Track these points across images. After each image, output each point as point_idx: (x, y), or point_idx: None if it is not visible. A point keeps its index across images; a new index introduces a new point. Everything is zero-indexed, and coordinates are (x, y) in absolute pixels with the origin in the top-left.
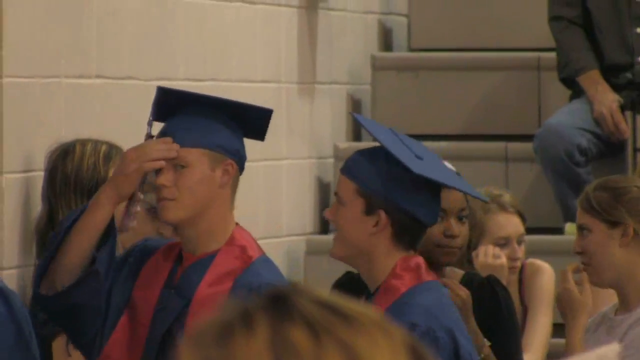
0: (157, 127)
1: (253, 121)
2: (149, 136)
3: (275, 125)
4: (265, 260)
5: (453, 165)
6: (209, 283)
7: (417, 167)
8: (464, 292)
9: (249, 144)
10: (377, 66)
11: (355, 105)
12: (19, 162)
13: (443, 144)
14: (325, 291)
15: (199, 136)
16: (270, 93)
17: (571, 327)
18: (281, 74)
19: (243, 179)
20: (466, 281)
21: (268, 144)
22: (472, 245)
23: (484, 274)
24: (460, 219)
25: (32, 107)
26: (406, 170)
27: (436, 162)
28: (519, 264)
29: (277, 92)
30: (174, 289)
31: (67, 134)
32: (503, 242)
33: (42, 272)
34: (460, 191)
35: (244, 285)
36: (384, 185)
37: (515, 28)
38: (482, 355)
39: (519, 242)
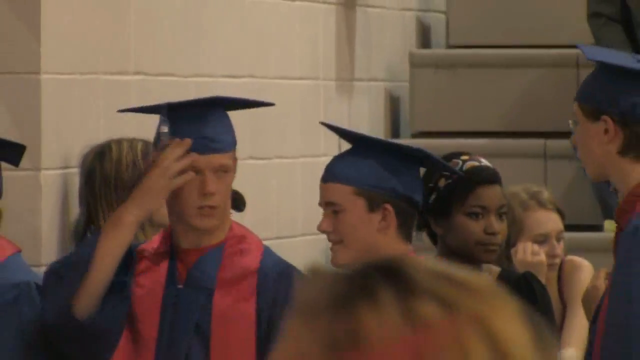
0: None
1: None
2: (163, 135)
3: (313, 122)
4: (268, 247)
5: (491, 162)
6: (227, 271)
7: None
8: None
9: (291, 142)
10: (415, 63)
11: (393, 102)
12: (58, 159)
13: (481, 141)
14: (433, 261)
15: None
16: (308, 90)
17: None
18: (319, 71)
19: (282, 176)
20: (503, 278)
21: (306, 140)
22: (510, 242)
23: (522, 271)
24: (499, 216)
25: (70, 103)
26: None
27: None
28: (557, 261)
29: (314, 89)
30: (183, 284)
31: (106, 130)
32: (542, 239)
33: (68, 299)
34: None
35: (269, 268)
36: (381, 178)
37: (553, 25)
38: None
39: (558, 239)
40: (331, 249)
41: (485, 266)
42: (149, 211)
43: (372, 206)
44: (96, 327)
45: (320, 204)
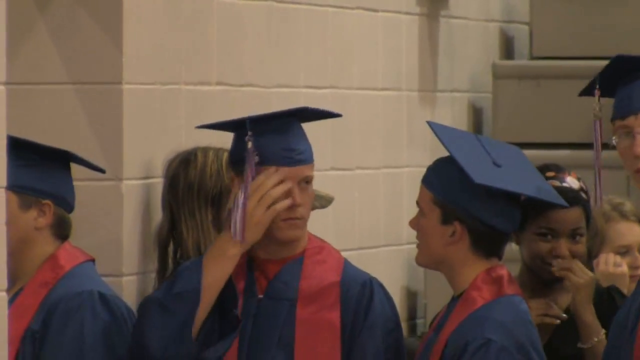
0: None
1: None
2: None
3: (396, 133)
4: (346, 259)
5: (577, 173)
6: (309, 282)
7: (480, 176)
8: (584, 278)
9: (375, 153)
10: (498, 74)
11: (476, 113)
12: (139, 169)
13: (565, 152)
14: None
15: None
16: (391, 101)
17: None
18: (402, 82)
19: (364, 187)
20: None
21: (389, 152)
22: (592, 254)
23: (604, 282)
24: (573, 237)
25: (152, 113)
26: (467, 178)
27: (518, 168)
28: None
29: (397, 100)
30: (266, 295)
31: (188, 141)
32: (624, 251)
33: (184, 332)
34: (528, 196)
35: (352, 279)
36: (458, 195)
37: (637, 35)
38: (599, 337)
39: None
40: (417, 246)
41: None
42: (251, 243)
43: (445, 219)
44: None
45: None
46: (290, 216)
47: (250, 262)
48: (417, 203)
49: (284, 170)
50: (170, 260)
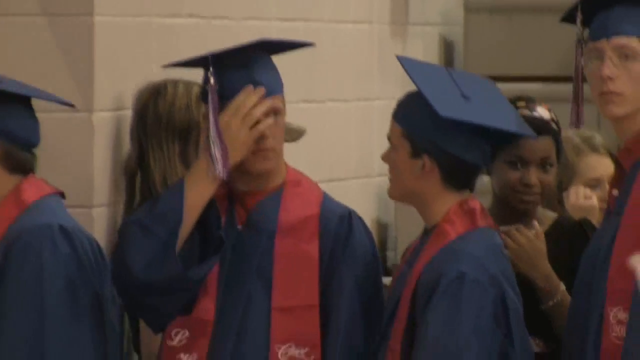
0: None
1: None
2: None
3: (367, 66)
4: (326, 192)
5: (550, 106)
6: (288, 214)
7: (447, 109)
8: (524, 238)
9: (345, 85)
10: (470, 8)
11: (447, 47)
12: (110, 101)
13: (537, 86)
14: None
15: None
16: (362, 34)
17: None
18: (373, 15)
19: (335, 119)
20: (557, 224)
21: (360, 84)
22: (563, 186)
23: (575, 215)
24: (543, 167)
25: (123, 45)
26: (434, 111)
27: (487, 100)
28: None
29: (369, 32)
30: (245, 226)
31: (158, 74)
32: (594, 184)
33: (168, 253)
34: (495, 129)
35: (330, 212)
36: (427, 129)
37: None
38: (556, 299)
39: None
40: (389, 180)
41: (540, 211)
42: (234, 164)
43: (414, 153)
44: (196, 280)
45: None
46: (259, 147)
47: (230, 194)
48: (388, 138)
49: (266, 100)
50: (137, 191)
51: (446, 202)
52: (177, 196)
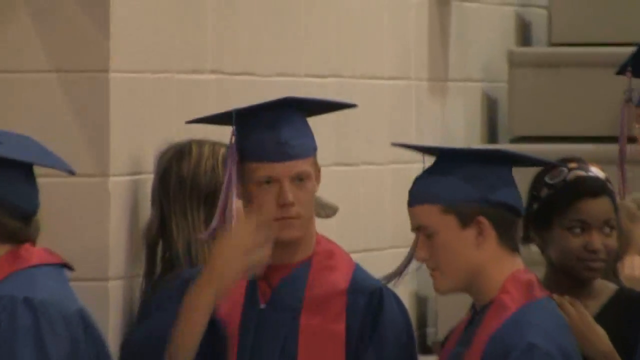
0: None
1: None
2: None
3: (404, 126)
4: (359, 264)
5: (603, 169)
6: (315, 290)
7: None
8: (574, 310)
9: (381, 147)
10: (514, 62)
11: (490, 104)
12: (127, 164)
13: (588, 147)
14: None
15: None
16: (398, 91)
17: None
18: (410, 71)
19: (369, 184)
20: (618, 296)
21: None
22: (617, 256)
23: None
24: (605, 230)
25: (141, 104)
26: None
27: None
28: None
29: (406, 90)
30: (266, 305)
31: (179, 134)
32: None
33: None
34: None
35: (360, 286)
36: (468, 189)
37: None
38: None
39: None
40: (431, 275)
41: (599, 282)
42: (225, 294)
43: (464, 221)
44: None
45: (412, 230)
46: (283, 215)
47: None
48: (418, 229)
49: (273, 166)
50: (158, 262)
51: (503, 270)
52: (167, 322)
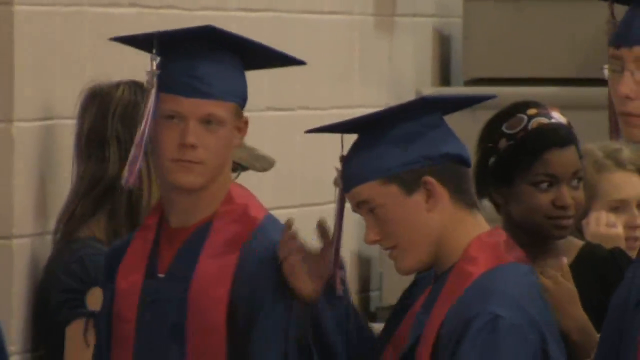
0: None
1: None
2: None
3: (346, 67)
4: (273, 221)
5: (564, 114)
6: (209, 256)
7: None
8: (551, 281)
9: (320, 90)
10: None
11: (443, 42)
12: (34, 109)
13: (551, 90)
14: None
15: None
16: (340, 28)
17: None
18: (354, 4)
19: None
20: (586, 254)
21: (338, 89)
22: (584, 211)
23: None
24: (575, 182)
25: (51, 41)
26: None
27: None
28: (639, 233)
29: (349, 26)
30: (165, 275)
31: (93, 74)
32: (619, 207)
33: None
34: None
35: (254, 255)
36: (402, 153)
37: None
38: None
39: None
40: (390, 257)
41: (566, 239)
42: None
43: (409, 187)
44: None
45: (354, 211)
46: (180, 157)
47: (158, 233)
48: (359, 206)
49: (179, 100)
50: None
51: (466, 231)
52: None
